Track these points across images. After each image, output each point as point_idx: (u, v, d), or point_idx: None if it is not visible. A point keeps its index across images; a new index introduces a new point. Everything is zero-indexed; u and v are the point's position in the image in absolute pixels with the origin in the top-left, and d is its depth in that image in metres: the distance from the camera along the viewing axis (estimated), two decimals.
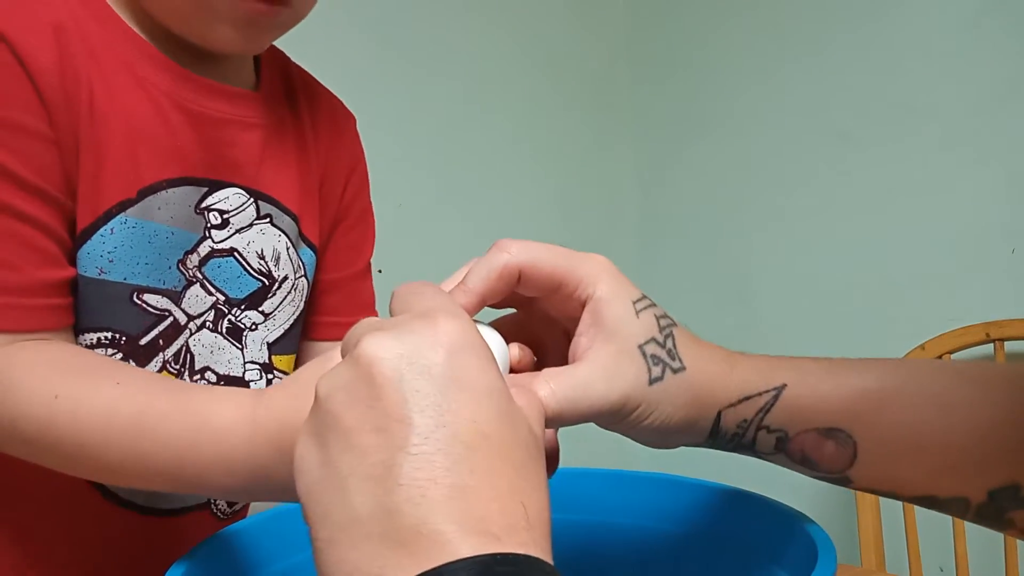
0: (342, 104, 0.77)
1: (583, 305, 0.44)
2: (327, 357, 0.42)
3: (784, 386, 0.45)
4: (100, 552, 0.63)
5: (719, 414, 0.45)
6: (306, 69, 0.77)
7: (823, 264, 1.56)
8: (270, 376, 0.67)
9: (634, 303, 0.44)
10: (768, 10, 1.63)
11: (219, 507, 0.67)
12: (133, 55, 0.59)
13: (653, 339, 0.43)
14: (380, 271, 1.43)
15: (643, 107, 1.83)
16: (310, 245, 0.70)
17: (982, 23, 1.37)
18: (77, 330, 0.57)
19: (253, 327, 0.65)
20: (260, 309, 0.65)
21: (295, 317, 0.68)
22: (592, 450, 1.72)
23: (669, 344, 0.44)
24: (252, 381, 0.65)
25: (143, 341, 0.59)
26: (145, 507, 0.63)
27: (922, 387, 0.45)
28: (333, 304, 0.73)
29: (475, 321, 0.42)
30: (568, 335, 0.45)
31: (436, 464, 0.29)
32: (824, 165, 1.56)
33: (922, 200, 1.44)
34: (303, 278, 0.68)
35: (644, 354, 0.43)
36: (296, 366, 0.71)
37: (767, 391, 0.45)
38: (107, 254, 0.56)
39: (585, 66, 1.77)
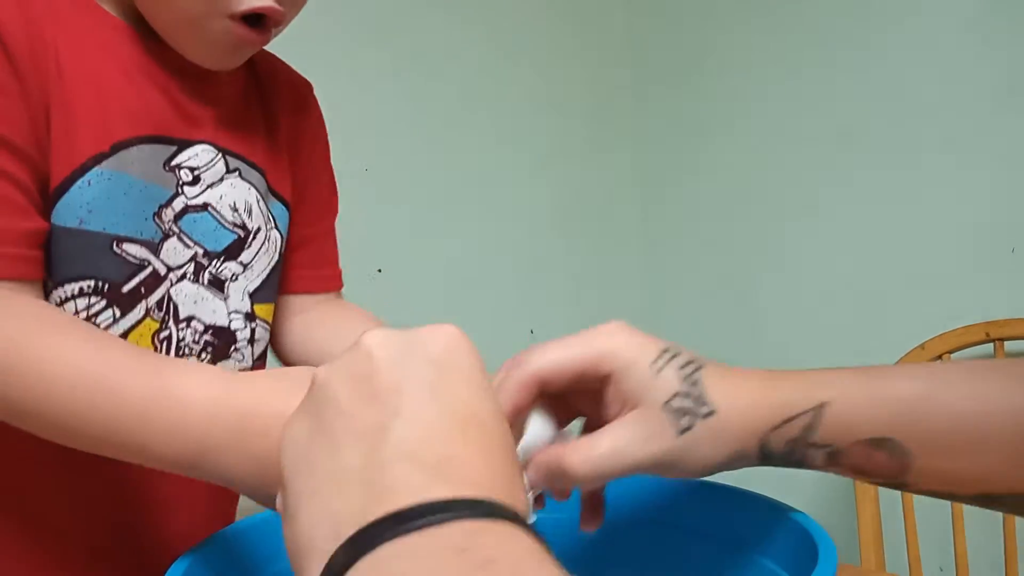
0: (299, 74, 0.80)
1: (607, 381, 0.46)
2: (297, 370, 0.46)
3: (824, 403, 0.45)
4: (97, 515, 0.64)
5: (763, 442, 0.45)
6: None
7: (823, 264, 1.56)
8: (253, 325, 0.69)
9: (652, 363, 0.45)
10: (768, 12, 1.63)
11: None
12: (98, 25, 0.61)
13: (677, 394, 0.45)
14: (380, 271, 1.44)
15: (644, 109, 1.83)
16: (281, 200, 0.72)
17: (982, 23, 1.37)
18: (60, 280, 0.58)
19: (234, 278, 0.67)
20: (239, 260, 0.68)
21: (271, 267, 0.71)
22: None
23: (696, 391, 0.45)
24: (238, 330, 0.68)
25: (125, 289, 0.60)
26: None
27: (961, 387, 0.45)
28: (303, 258, 0.77)
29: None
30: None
31: (430, 431, 0.30)
32: (824, 165, 1.56)
33: (922, 200, 1.44)
34: (275, 230, 0.71)
35: (669, 410, 0.45)
36: (274, 320, 0.75)
37: (808, 410, 0.45)
38: (86, 204, 0.58)
39: (585, 68, 1.77)
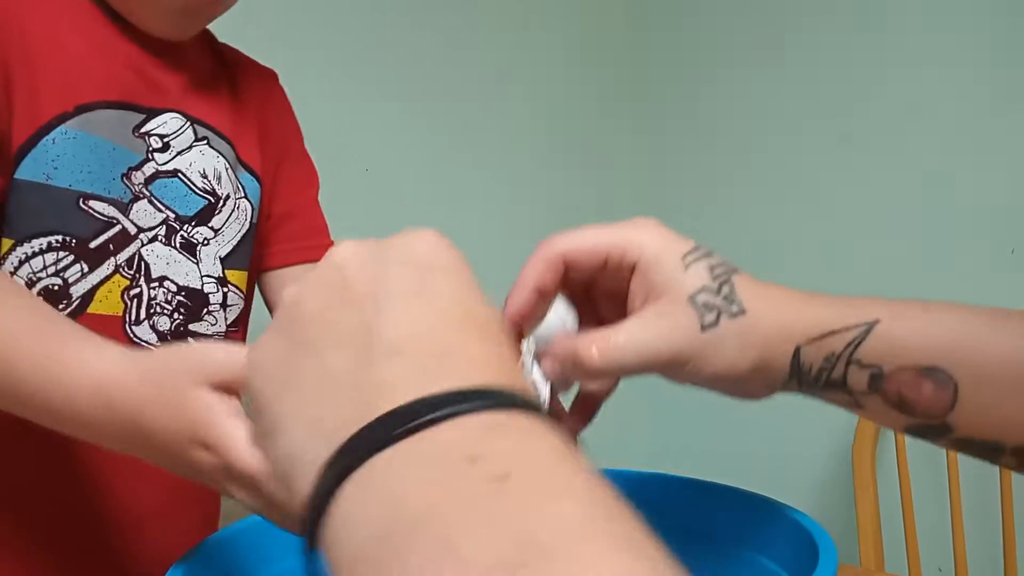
0: (263, 65, 0.82)
1: (632, 273, 0.44)
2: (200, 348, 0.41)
3: (877, 321, 0.42)
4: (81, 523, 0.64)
5: (797, 351, 0.43)
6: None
7: (823, 264, 1.56)
8: (225, 290, 0.71)
9: (684, 256, 0.44)
10: (768, 11, 1.63)
11: None
12: (66, 5, 0.63)
13: (705, 288, 0.43)
14: None
15: (644, 109, 1.83)
16: (250, 171, 0.74)
17: (982, 23, 1.37)
18: (26, 236, 0.60)
19: (205, 242, 0.69)
20: (210, 225, 0.69)
21: (242, 234, 0.72)
22: (592, 450, 1.72)
23: (725, 290, 0.43)
24: (211, 293, 0.69)
25: (93, 245, 0.62)
26: None
27: (1015, 328, 0.42)
28: (292, 231, 0.79)
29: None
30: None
31: (419, 326, 0.27)
32: (824, 165, 1.56)
33: (922, 200, 1.44)
34: (244, 199, 0.73)
35: (695, 303, 0.42)
36: (266, 300, 0.76)
37: (857, 325, 0.43)
38: (51, 161, 0.60)
39: (585, 67, 1.77)
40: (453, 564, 0.19)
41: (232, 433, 0.36)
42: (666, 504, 0.56)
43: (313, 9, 1.35)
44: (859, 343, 0.42)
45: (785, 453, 1.58)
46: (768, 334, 0.43)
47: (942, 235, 1.42)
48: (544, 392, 0.43)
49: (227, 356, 0.38)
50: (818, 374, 0.43)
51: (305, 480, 0.25)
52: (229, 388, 0.39)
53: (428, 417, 0.23)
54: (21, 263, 0.60)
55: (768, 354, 0.43)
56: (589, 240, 0.44)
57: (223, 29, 1.29)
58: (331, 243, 0.81)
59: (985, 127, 1.37)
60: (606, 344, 0.41)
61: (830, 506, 1.52)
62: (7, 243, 0.60)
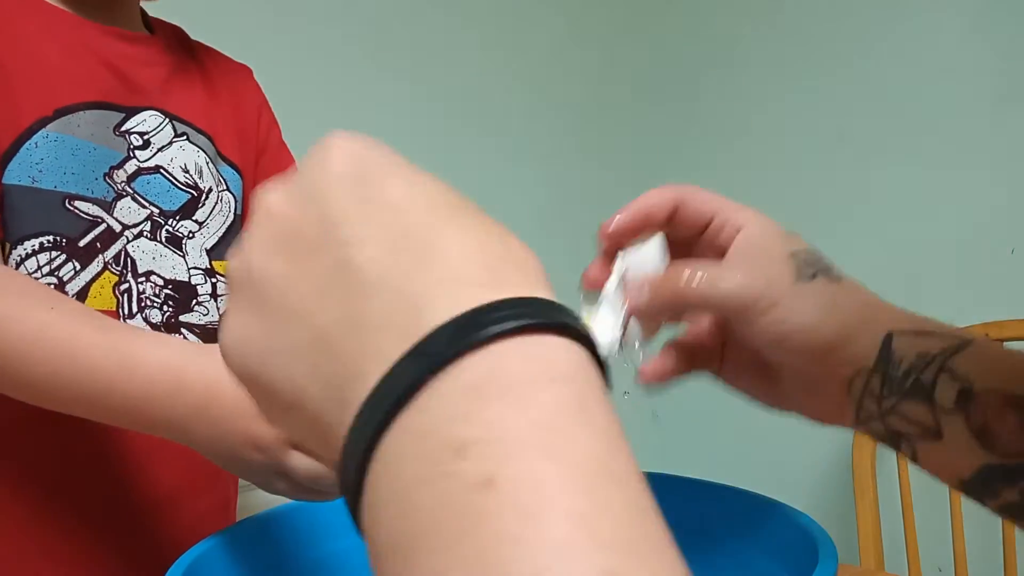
0: (236, 61, 0.83)
1: (732, 242, 0.44)
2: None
3: (973, 340, 0.40)
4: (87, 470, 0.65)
5: (889, 337, 0.41)
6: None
7: None
8: (214, 280, 0.72)
9: (786, 234, 0.44)
10: (767, 13, 1.63)
11: None
12: (35, 11, 0.64)
13: (806, 250, 0.43)
14: None
15: (643, 110, 1.83)
16: (231, 164, 0.75)
17: (982, 23, 1.37)
18: (19, 238, 0.61)
19: (190, 235, 0.70)
20: (194, 218, 0.71)
21: (227, 226, 0.73)
22: None
23: (826, 260, 0.43)
24: (198, 285, 0.71)
25: (81, 243, 0.64)
26: None
27: None
28: None
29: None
30: None
31: (405, 239, 0.23)
32: (824, 165, 1.56)
33: (922, 200, 1.44)
34: (227, 192, 0.74)
35: (795, 258, 0.42)
36: None
37: (954, 334, 0.41)
38: (35, 164, 0.61)
39: (585, 66, 1.77)
40: None
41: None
42: (666, 504, 0.56)
43: (314, 8, 1.35)
44: (955, 352, 0.40)
45: (785, 453, 1.58)
46: (862, 307, 0.42)
47: (942, 235, 1.42)
48: (614, 320, 0.43)
49: None
50: (908, 371, 0.40)
51: (336, 448, 0.23)
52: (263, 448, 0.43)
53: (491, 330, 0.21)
54: (18, 264, 0.61)
55: (856, 329, 0.41)
56: (703, 194, 0.45)
57: (223, 29, 1.29)
58: None
59: (985, 127, 1.37)
60: (703, 273, 0.41)
61: (830, 506, 1.52)
62: (6, 246, 0.62)
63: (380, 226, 0.24)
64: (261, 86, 0.85)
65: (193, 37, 0.81)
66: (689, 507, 0.55)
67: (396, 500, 0.20)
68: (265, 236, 0.25)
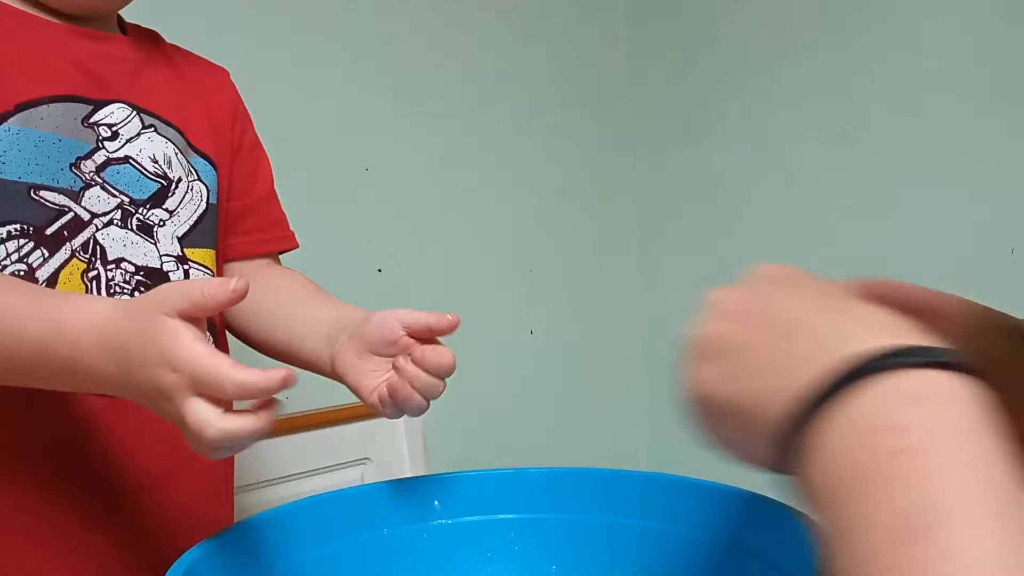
0: (214, 63, 0.84)
1: None
2: (176, 283, 0.53)
3: None
4: (51, 438, 0.65)
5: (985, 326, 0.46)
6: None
7: (823, 264, 1.55)
8: (186, 267, 0.74)
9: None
10: (767, 10, 1.63)
11: None
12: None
13: None
14: (380, 271, 1.44)
15: (643, 107, 1.83)
16: (204, 156, 0.76)
17: (982, 23, 1.37)
18: None
19: (161, 223, 0.72)
20: (164, 207, 0.72)
21: (199, 214, 0.75)
22: (592, 450, 1.72)
23: None
24: (170, 271, 0.72)
25: (48, 232, 0.65)
26: None
27: None
28: (247, 227, 0.82)
29: None
30: None
31: (823, 298, 0.36)
32: (824, 165, 1.56)
33: (922, 200, 1.44)
34: (198, 182, 0.75)
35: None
36: None
37: None
38: None
39: (585, 65, 1.77)
40: (860, 528, 0.26)
41: (197, 351, 0.45)
42: (666, 504, 0.56)
43: (314, 8, 1.35)
44: None
45: None
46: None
47: (942, 235, 1.42)
48: None
49: (199, 289, 0.47)
50: (996, 339, 0.46)
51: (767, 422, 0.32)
52: (195, 318, 0.47)
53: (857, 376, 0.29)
54: None
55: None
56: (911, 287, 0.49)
57: (223, 28, 1.29)
58: (288, 234, 0.85)
59: (985, 127, 1.37)
60: None
61: None
62: None
63: (809, 298, 0.36)
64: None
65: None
66: (688, 508, 0.55)
67: (831, 456, 0.28)
68: (721, 310, 0.39)
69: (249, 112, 0.85)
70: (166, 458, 0.68)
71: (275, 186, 0.85)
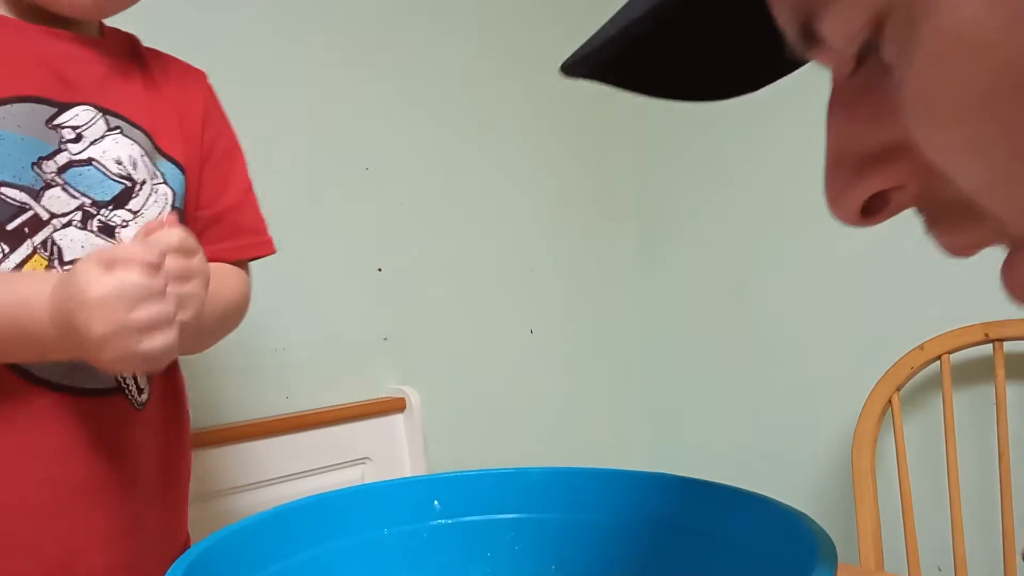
0: (191, 65, 0.84)
1: None
2: (100, 249, 0.61)
3: None
4: (24, 436, 0.67)
5: None
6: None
7: (822, 264, 1.56)
8: None
9: None
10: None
11: (131, 393, 0.74)
12: None
13: None
14: (380, 270, 1.44)
15: (643, 106, 1.83)
16: (172, 160, 0.77)
17: None
18: None
19: (124, 224, 0.72)
20: (128, 208, 0.73)
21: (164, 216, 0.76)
22: (592, 450, 1.72)
23: None
24: None
25: (9, 227, 0.67)
26: (58, 385, 0.69)
27: None
28: (219, 234, 0.82)
29: None
30: None
31: None
32: (823, 164, 1.56)
33: None
34: (163, 184, 0.75)
35: None
36: None
37: None
38: None
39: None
40: None
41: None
42: (665, 503, 0.56)
43: (314, 7, 1.35)
44: None
45: (785, 453, 1.58)
46: None
47: None
48: None
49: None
50: None
51: None
52: (111, 264, 0.57)
53: None
54: None
55: None
56: None
57: (223, 27, 1.29)
58: (263, 240, 0.85)
59: None
60: None
61: (830, 506, 1.52)
62: None
63: None
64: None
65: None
66: (689, 507, 0.55)
67: None
68: None
69: (227, 116, 0.84)
70: (55, 488, 0.69)
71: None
